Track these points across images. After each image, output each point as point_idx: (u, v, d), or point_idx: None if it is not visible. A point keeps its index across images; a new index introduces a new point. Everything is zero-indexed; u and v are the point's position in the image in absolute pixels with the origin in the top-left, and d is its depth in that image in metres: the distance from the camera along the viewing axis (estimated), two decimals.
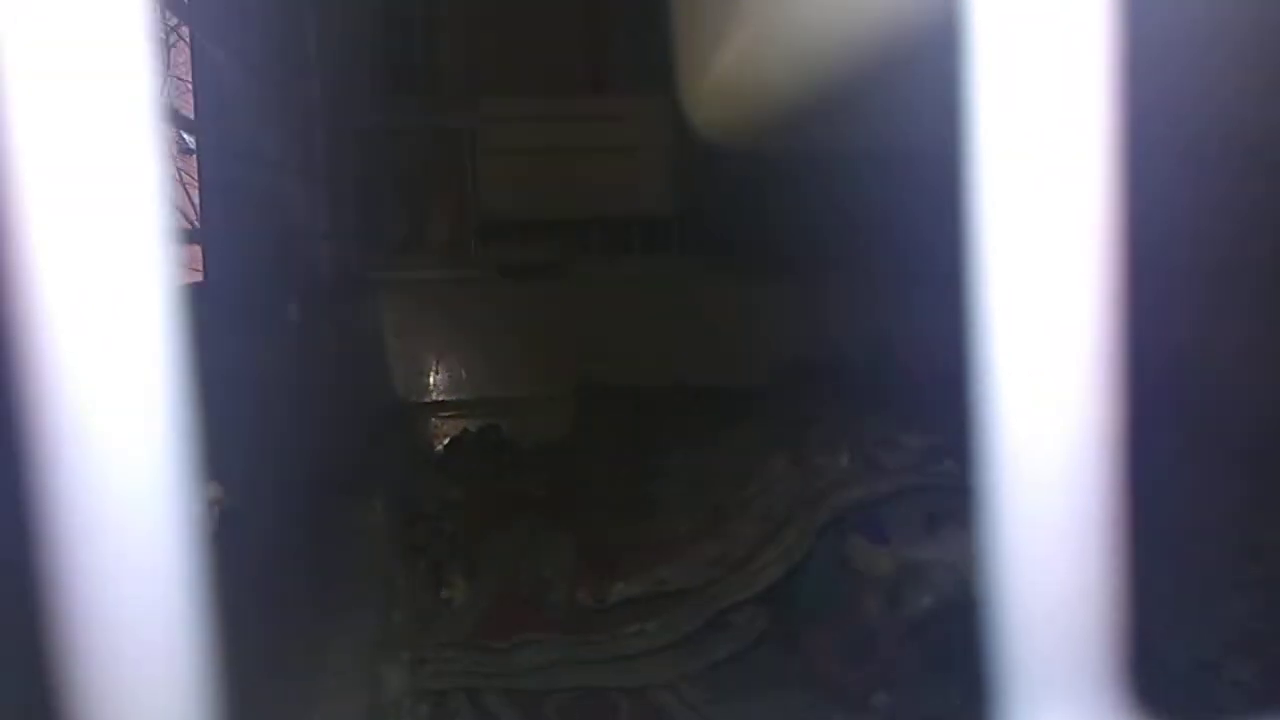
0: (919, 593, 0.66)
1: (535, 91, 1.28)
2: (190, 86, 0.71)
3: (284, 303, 0.76)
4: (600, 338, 1.24)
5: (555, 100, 1.28)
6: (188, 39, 0.72)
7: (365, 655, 0.65)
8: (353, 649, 0.65)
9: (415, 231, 1.26)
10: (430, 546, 0.81)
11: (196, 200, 0.69)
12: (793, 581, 0.76)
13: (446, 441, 1.12)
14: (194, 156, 0.69)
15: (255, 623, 0.53)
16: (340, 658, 0.64)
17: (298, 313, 0.76)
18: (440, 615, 0.70)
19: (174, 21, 0.74)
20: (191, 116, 0.68)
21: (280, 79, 0.89)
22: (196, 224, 0.69)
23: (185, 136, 0.73)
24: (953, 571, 0.66)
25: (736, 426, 1.03)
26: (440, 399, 1.19)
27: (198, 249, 0.67)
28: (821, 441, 0.77)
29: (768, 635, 0.69)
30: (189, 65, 0.73)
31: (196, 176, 0.69)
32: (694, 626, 0.63)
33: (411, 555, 0.80)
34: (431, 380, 1.20)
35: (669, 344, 1.25)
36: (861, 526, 0.71)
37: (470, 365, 1.22)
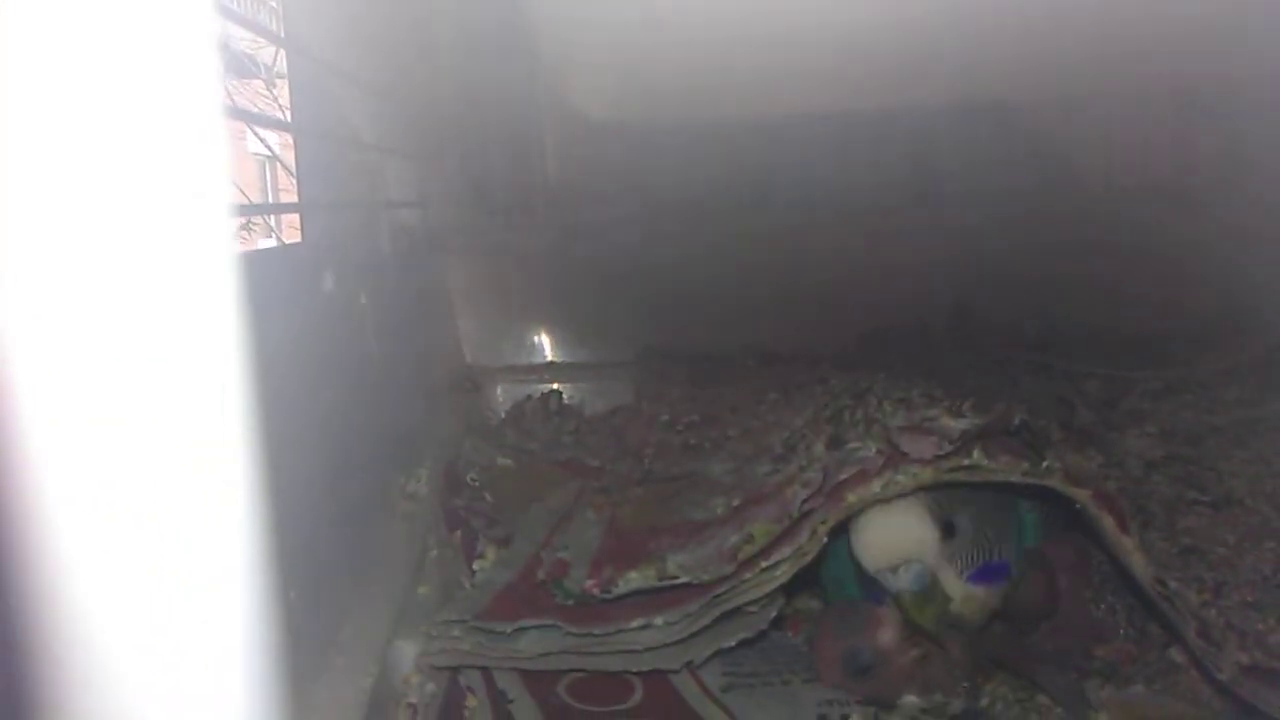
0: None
1: None
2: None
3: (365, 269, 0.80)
4: (673, 299, 1.22)
5: None
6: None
7: (382, 630, 0.66)
8: (370, 623, 0.66)
9: (486, 197, 1.26)
10: (468, 517, 0.81)
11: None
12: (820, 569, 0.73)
13: (508, 408, 1.13)
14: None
15: (276, 596, 0.54)
16: (356, 632, 0.65)
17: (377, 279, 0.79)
18: (462, 589, 0.71)
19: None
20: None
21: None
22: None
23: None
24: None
25: (800, 396, 1.00)
26: (507, 364, 1.19)
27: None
28: (862, 421, 0.74)
29: (783, 622, 0.68)
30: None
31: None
32: (702, 625, 0.61)
33: (450, 525, 0.81)
34: (499, 345, 1.21)
35: (746, 305, 1.22)
36: None
37: (538, 330, 1.22)
